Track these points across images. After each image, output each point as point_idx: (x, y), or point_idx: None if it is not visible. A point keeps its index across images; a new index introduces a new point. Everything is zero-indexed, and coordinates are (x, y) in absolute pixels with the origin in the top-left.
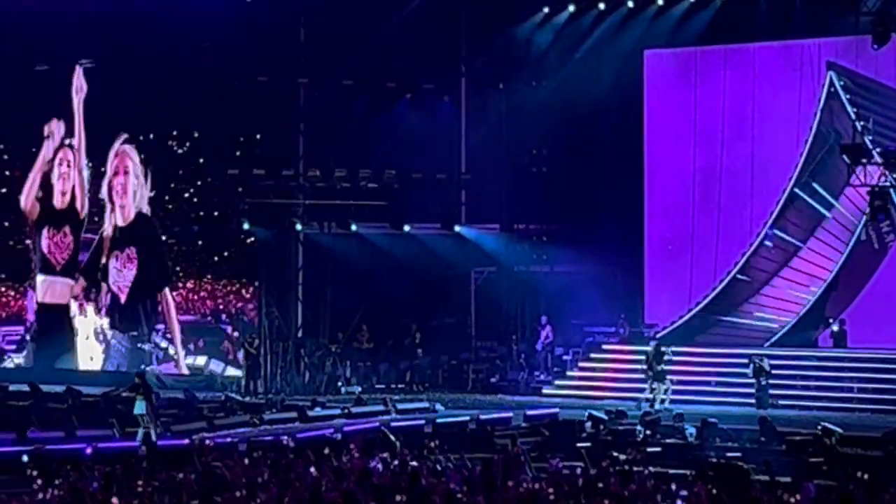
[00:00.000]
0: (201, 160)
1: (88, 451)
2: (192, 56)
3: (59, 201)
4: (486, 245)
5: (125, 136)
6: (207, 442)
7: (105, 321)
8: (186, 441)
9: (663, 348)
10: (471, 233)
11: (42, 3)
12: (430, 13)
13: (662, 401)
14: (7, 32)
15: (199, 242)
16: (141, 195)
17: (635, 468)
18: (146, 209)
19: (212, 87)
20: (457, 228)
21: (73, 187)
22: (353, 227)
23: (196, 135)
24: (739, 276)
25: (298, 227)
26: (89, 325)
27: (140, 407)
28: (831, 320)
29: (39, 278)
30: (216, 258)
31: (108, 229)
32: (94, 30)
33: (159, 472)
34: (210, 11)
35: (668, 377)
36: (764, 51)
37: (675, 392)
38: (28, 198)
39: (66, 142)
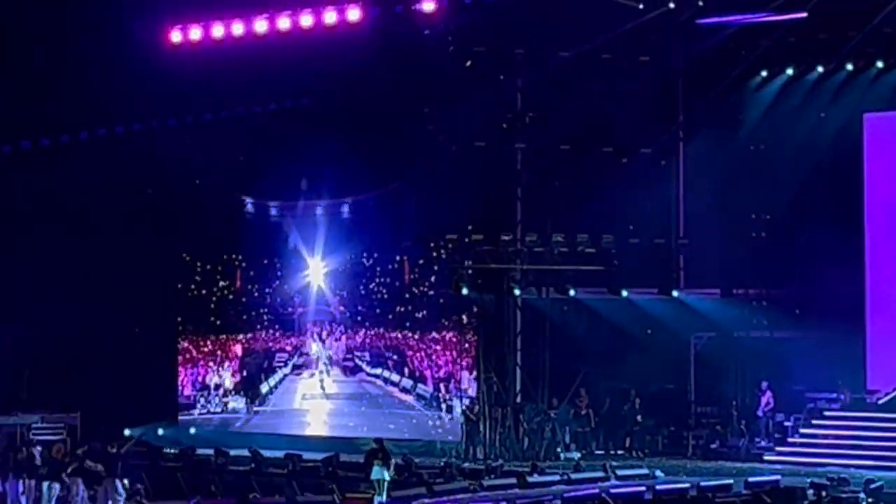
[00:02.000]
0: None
1: None
2: (411, 122)
3: None
4: (704, 310)
5: None
6: None
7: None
8: None
9: None
10: (689, 298)
11: None
12: (648, 77)
13: None
14: None
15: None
16: None
17: None
18: None
19: (429, 151)
20: (675, 293)
21: None
22: (572, 292)
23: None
24: None
25: (517, 291)
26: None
27: (378, 472)
28: None
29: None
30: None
31: None
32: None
33: None
34: (426, 78)
35: None
36: None
37: (890, 458)
38: None
39: None
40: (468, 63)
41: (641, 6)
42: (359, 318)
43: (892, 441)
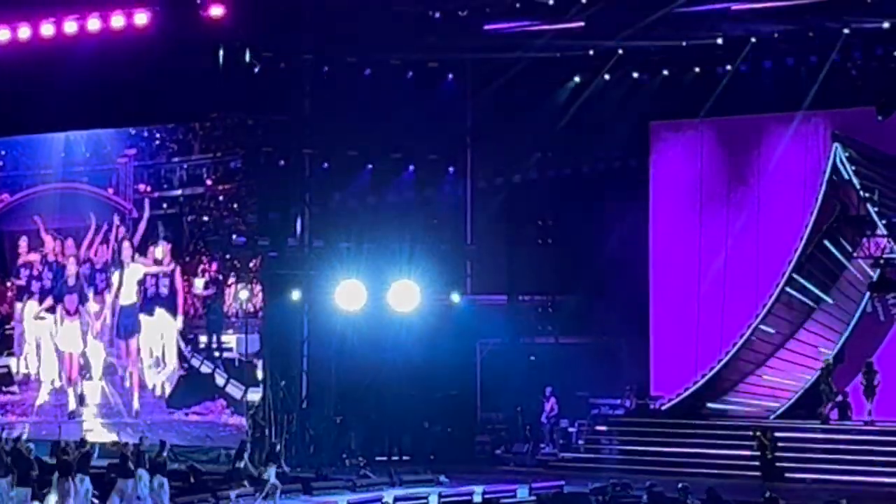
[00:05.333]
0: (207, 231)
1: None
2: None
3: None
4: (491, 316)
5: None
6: None
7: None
8: None
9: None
10: (476, 303)
11: None
12: (436, 83)
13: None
14: None
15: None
16: None
17: None
18: None
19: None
20: (462, 299)
21: None
22: None
23: (207, 205)
24: (745, 348)
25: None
26: None
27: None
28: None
29: None
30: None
31: None
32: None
33: None
34: (211, 79)
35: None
36: (769, 123)
37: (679, 464)
38: None
39: None
40: (256, 69)
41: (431, 12)
42: None
43: (674, 447)
